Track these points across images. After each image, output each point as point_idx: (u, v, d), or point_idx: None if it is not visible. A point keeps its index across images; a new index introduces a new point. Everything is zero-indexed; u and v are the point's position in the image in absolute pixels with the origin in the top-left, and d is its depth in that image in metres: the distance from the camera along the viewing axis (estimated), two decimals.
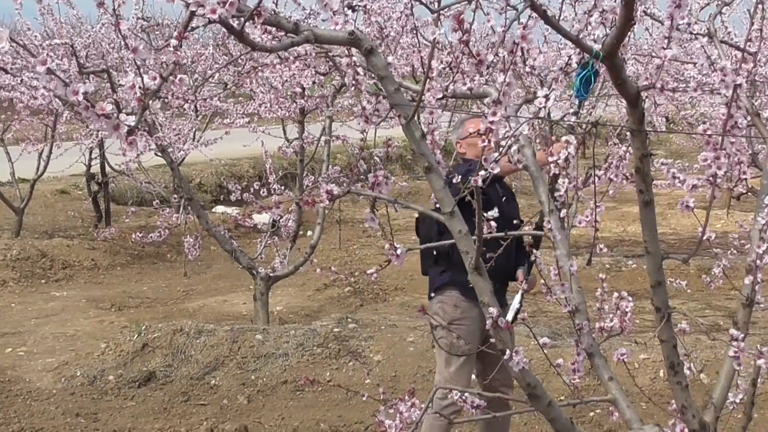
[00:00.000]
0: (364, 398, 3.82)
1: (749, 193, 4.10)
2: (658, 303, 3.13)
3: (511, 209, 5.23)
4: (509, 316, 4.66)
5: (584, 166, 13.63)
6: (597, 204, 3.05)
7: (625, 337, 4.00)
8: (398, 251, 2.88)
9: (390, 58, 2.78)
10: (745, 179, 2.87)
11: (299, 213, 9.27)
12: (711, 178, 2.57)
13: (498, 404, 5.03)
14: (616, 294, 3.43)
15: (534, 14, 2.35)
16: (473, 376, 5.53)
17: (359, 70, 2.72)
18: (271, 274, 8.95)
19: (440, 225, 5.20)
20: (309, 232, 10.88)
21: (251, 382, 7.48)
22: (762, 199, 3.15)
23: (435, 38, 2.68)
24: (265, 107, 8.77)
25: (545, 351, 3.41)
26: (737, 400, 3.47)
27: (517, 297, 4.76)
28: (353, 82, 2.71)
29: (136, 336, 8.12)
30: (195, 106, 9.87)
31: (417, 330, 8.21)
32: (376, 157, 10.25)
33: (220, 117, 11.41)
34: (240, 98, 11.16)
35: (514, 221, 5.17)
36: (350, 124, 9.98)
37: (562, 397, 6.48)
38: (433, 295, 5.47)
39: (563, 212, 3.29)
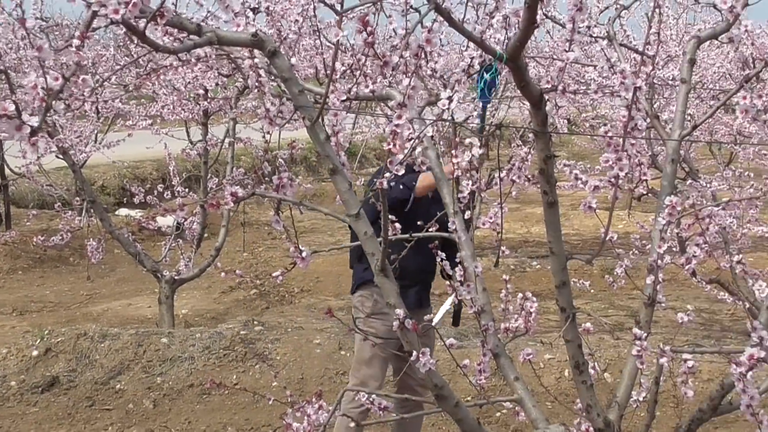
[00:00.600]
0: (270, 401, 3.78)
1: (650, 194, 4.16)
2: (563, 303, 3.16)
3: (436, 211, 5.27)
4: (436, 318, 4.65)
5: (488, 168, 13.78)
6: (501, 205, 3.07)
7: (530, 337, 4.05)
8: (303, 253, 2.86)
9: (293, 60, 2.77)
10: (646, 180, 2.91)
11: (204, 215, 9.17)
12: (612, 180, 2.60)
13: (412, 405, 5.06)
14: (520, 295, 3.45)
15: (438, 16, 2.35)
16: (388, 375, 5.58)
17: (262, 72, 2.69)
18: (176, 277, 8.85)
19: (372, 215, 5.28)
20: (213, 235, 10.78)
21: (157, 386, 7.38)
22: (662, 200, 3.20)
23: (338, 40, 2.66)
24: (168, 109, 8.66)
25: (452, 352, 3.42)
26: (641, 399, 3.53)
27: (449, 300, 4.78)
28: (256, 84, 2.68)
29: (38, 341, 7.94)
30: (96, 108, 9.69)
31: (324, 332, 8.20)
32: (280, 159, 10.14)
33: (122, 119, 11.23)
34: (142, 100, 11.01)
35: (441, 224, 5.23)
36: (254, 126, 9.92)
37: (468, 398, 6.53)
38: (355, 290, 5.47)
39: (467, 214, 3.31)
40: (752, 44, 3.62)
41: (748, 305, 6.98)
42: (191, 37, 2.47)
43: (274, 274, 3.17)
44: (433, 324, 4.38)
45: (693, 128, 3.70)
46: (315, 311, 10.32)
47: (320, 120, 2.72)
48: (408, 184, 4.89)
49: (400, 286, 4.39)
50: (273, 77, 3.00)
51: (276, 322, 9.10)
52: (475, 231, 3.35)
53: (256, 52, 2.68)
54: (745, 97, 2.93)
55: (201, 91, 8.22)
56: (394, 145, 2.43)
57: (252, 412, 6.99)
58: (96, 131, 12.65)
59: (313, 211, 3.09)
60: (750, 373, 2.53)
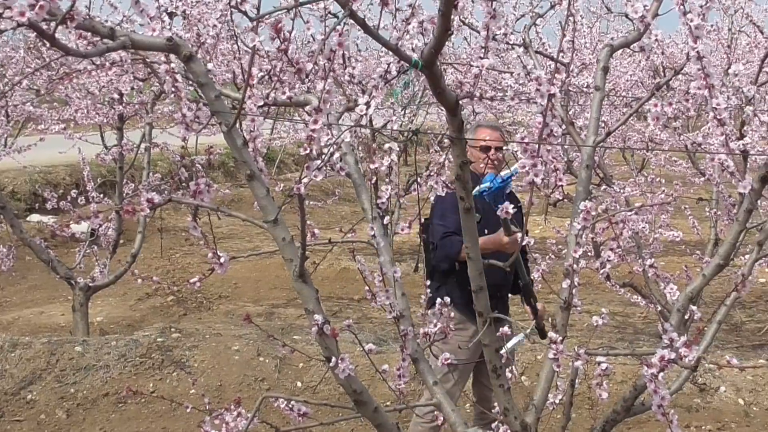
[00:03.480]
0: (188, 409, 3.75)
1: (565, 200, 4.23)
2: (480, 308, 3.18)
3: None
4: (509, 344, 4.48)
5: (406, 174, 13.75)
6: (419, 210, 3.09)
7: (448, 342, 4.07)
8: (222, 259, 2.84)
9: (210, 65, 2.75)
10: (561, 186, 2.94)
11: (119, 222, 9.05)
12: (528, 185, 2.63)
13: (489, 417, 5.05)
14: (439, 300, 3.47)
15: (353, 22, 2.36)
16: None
17: (178, 76, 2.67)
18: (90, 285, 8.71)
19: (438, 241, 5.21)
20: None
21: (70, 395, 7.25)
22: (577, 205, 3.25)
23: (254, 45, 2.65)
24: (82, 113, 8.52)
25: (371, 357, 3.43)
26: (557, 401, 3.58)
27: (516, 338, 4.60)
28: (173, 88, 2.66)
29: None
30: (6, 112, 9.49)
31: (242, 339, 8.14)
32: (197, 165, 10.12)
33: (33, 123, 11.01)
34: (55, 104, 10.81)
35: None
36: (171, 130, 9.82)
37: (388, 403, 6.54)
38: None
39: (386, 219, 3.32)
40: (662, 53, 3.70)
41: (660, 308, 7.12)
42: (104, 40, 2.44)
43: (191, 281, 3.15)
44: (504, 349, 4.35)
45: (607, 135, 3.76)
46: (233, 318, 10.26)
47: (237, 125, 2.71)
48: (450, 251, 5.02)
49: (470, 301, 4.44)
50: (189, 82, 2.98)
51: (194, 328, 9.01)
52: (393, 236, 3.35)
53: (173, 56, 2.65)
54: (656, 105, 2.99)
55: (116, 95, 8.11)
56: (311, 150, 2.43)
57: (169, 420, 6.92)
58: (5, 135, 12.40)
59: (230, 216, 3.07)
60: (661, 374, 2.58)
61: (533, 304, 5.13)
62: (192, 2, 5.31)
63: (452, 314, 5.03)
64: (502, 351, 4.32)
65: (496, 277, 4.14)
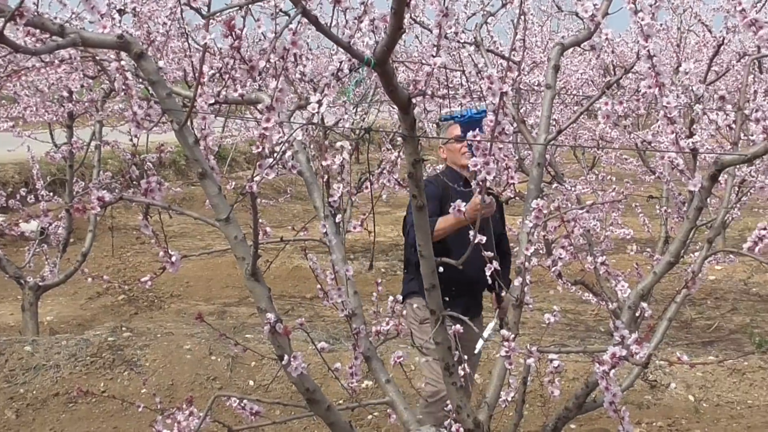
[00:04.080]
0: (140, 408, 3.72)
1: (517, 198, 4.24)
2: (433, 306, 3.19)
3: (490, 222, 5.16)
4: (485, 333, 4.49)
5: (358, 172, 13.80)
6: (372, 208, 3.09)
7: (401, 340, 4.07)
8: (173, 258, 2.83)
9: (161, 63, 2.73)
10: (513, 184, 2.96)
11: (70, 220, 8.95)
12: (481, 183, 2.64)
13: None
14: (391, 298, 3.48)
15: (305, 20, 2.35)
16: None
17: (129, 74, 2.65)
18: (40, 284, 8.61)
19: (411, 234, 5.15)
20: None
21: (20, 395, 7.17)
22: (529, 203, 3.26)
23: (206, 43, 2.64)
24: (31, 111, 8.40)
25: (323, 355, 3.42)
26: (509, 398, 3.59)
27: (490, 325, 4.60)
28: (123, 86, 2.64)
29: None
30: None
31: (194, 337, 8.09)
32: (148, 163, 10.04)
33: None
34: (3, 101, 10.68)
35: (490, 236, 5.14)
36: (121, 128, 9.73)
37: (340, 401, 6.53)
38: (404, 299, 5.31)
39: (338, 217, 3.31)
40: (613, 52, 3.73)
41: (611, 305, 7.17)
42: (54, 38, 2.41)
43: (142, 279, 3.13)
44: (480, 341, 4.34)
45: (558, 133, 3.79)
46: (185, 316, 10.19)
47: (189, 123, 2.69)
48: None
49: (447, 295, 4.37)
50: (140, 80, 2.96)
51: (145, 328, 8.94)
52: (346, 235, 3.35)
53: (123, 54, 2.63)
54: (606, 103, 3.01)
55: (65, 93, 8.02)
56: (263, 148, 2.42)
57: (120, 420, 6.86)
58: None
59: (182, 215, 3.05)
60: (613, 371, 2.60)
61: (498, 293, 5.07)
62: (141, 0, 5.27)
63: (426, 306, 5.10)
64: (479, 344, 4.34)
65: (471, 274, 4.04)
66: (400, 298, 3.48)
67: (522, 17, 4.65)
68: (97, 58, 3.91)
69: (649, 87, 2.87)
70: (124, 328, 8.58)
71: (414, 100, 2.70)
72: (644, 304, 3.43)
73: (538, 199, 3.13)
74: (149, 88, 2.68)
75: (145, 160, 9.13)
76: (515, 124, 3.97)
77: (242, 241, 2.88)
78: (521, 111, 4.81)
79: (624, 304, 3.51)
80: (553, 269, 3.23)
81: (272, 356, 3.04)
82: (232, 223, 2.85)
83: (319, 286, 3.27)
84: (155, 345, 7.88)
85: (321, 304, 3.16)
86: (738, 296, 11.45)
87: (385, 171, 3.18)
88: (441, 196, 4.81)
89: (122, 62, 2.65)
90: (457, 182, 4.88)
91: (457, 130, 5.13)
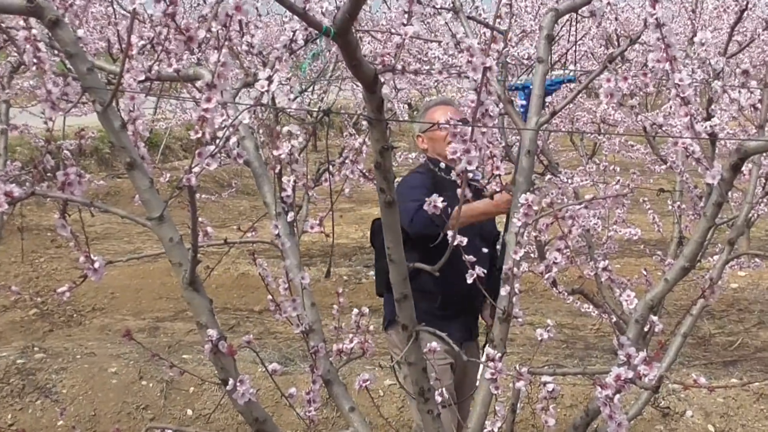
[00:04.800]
0: None
1: (504, 192, 4.26)
2: (405, 320, 3.20)
3: (486, 223, 5.19)
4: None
5: (316, 161, 13.81)
6: (332, 205, 3.09)
7: (367, 360, 4.08)
8: (96, 264, 2.82)
9: (80, 32, 2.72)
10: (499, 175, 2.97)
11: None
12: (461, 174, 2.64)
13: None
14: (356, 310, 3.48)
15: None
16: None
17: (41, 45, 2.64)
18: None
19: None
20: None
21: None
22: (517, 198, 3.28)
23: (134, 9, 2.63)
24: None
25: (275, 379, 3.42)
26: (495, 429, 3.60)
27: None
28: (34, 60, 2.63)
29: None
30: None
31: (121, 358, 8.08)
32: (66, 151, 9.99)
33: None
34: None
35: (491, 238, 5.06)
36: (33, 110, 9.68)
37: None
38: (387, 326, 5.22)
39: (292, 215, 3.32)
40: (616, 19, 3.75)
41: (614, 318, 7.21)
42: None
43: (59, 290, 3.12)
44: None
45: (552, 115, 3.80)
46: (110, 334, 10.15)
47: (114, 104, 2.69)
48: (434, 220, 4.65)
49: (443, 316, 4.28)
50: (55, 52, 2.95)
51: (62, 348, 8.90)
52: (301, 236, 3.35)
53: (33, 20, 2.62)
54: (608, 80, 3.03)
55: None
56: (204, 133, 2.42)
57: None
58: None
59: (106, 213, 3.05)
60: (617, 396, 2.61)
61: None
62: None
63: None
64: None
65: (464, 285, 3.89)
66: (366, 310, 3.48)
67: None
68: (3, 26, 3.89)
69: (659, 61, 2.88)
70: (36, 349, 8.54)
71: (382, 77, 2.70)
72: (654, 317, 3.45)
73: (529, 193, 3.14)
74: (66, 61, 2.67)
75: (62, 147, 9.09)
76: (501, 105, 3.98)
77: (178, 243, 2.87)
78: (509, 90, 4.82)
79: (630, 317, 3.53)
80: (546, 276, 3.25)
81: (214, 380, 3.05)
82: (167, 223, 2.84)
83: (269, 296, 3.27)
84: (74, 368, 7.85)
85: (272, 318, 3.15)
86: (765, 308, 11.52)
87: (347, 160, 3.18)
88: (432, 187, 4.74)
89: (33, 31, 2.64)
90: (445, 176, 4.77)
91: (438, 114, 5.10)
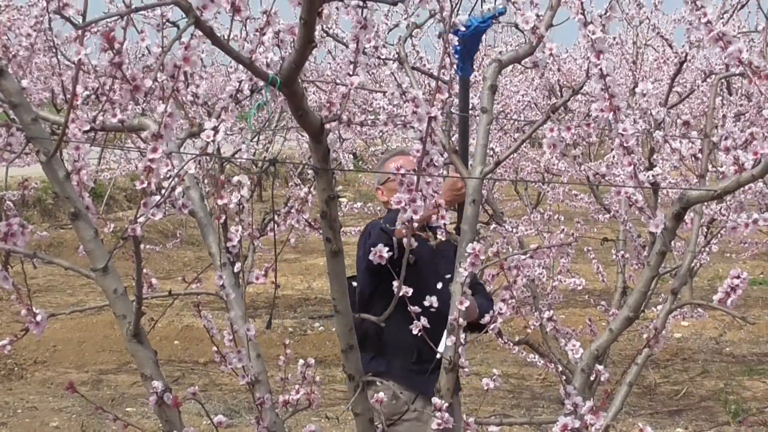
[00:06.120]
0: None
1: (449, 241, 4.27)
2: (351, 370, 3.19)
3: (446, 268, 4.91)
4: None
5: (261, 211, 13.78)
6: (276, 255, 3.08)
7: (314, 411, 4.06)
8: (38, 317, 2.79)
9: (24, 82, 2.71)
10: (445, 224, 2.98)
11: None
12: (406, 224, 2.65)
13: None
14: (301, 361, 3.47)
15: (198, 32, 2.35)
16: None
17: None
18: None
19: (362, 296, 4.86)
20: None
21: None
22: (463, 248, 3.28)
23: (79, 59, 2.63)
24: None
25: (221, 431, 3.40)
26: None
27: None
28: None
29: None
30: None
31: (63, 412, 7.99)
32: (8, 202, 9.91)
33: None
34: None
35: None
36: None
37: None
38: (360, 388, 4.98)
39: (237, 266, 3.30)
40: (558, 70, 3.78)
41: (560, 368, 7.24)
42: None
43: (0, 344, 3.08)
44: None
45: (496, 165, 3.82)
46: (52, 387, 10.03)
47: (59, 154, 2.68)
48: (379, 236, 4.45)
49: (420, 371, 4.18)
50: None
51: (2, 402, 8.80)
52: (246, 286, 3.33)
53: None
54: (552, 129, 3.05)
55: None
56: (149, 183, 2.41)
57: None
58: None
59: (49, 264, 3.02)
60: None
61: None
62: (0, 7, 5.22)
63: (400, 393, 4.88)
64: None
65: (441, 336, 3.73)
66: (312, 361, 3.46)
67: (452, 29, 4.70)
68: None
69: (602, 110, 2.91)
70: None
71: (327, 126, 2.71)
72: (600, 367, 3.46)
73: (474, 242, 3.15)
74: (10, 111, 2.66)
75: (4, 198, 9.02)
76: (446, 155, 4.00)
77: (123, 295, 2.85)
78: (453, 139, 4.84)
79: (576, 366, 3.54)
80: (492, 326, 3.25)
81: None
82: (111, 274, 2.82)
83: (214, 348, 3.25)
84: (14, 423, 7.75)
85: (217, 369, 3.13)
86: (709, 357, 11.61)
87: (293, 210, 3.18)
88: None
89: None
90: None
91: (398, 163, 5.03)
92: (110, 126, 3.15)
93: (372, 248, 2.93)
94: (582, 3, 2.87)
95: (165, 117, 2.37)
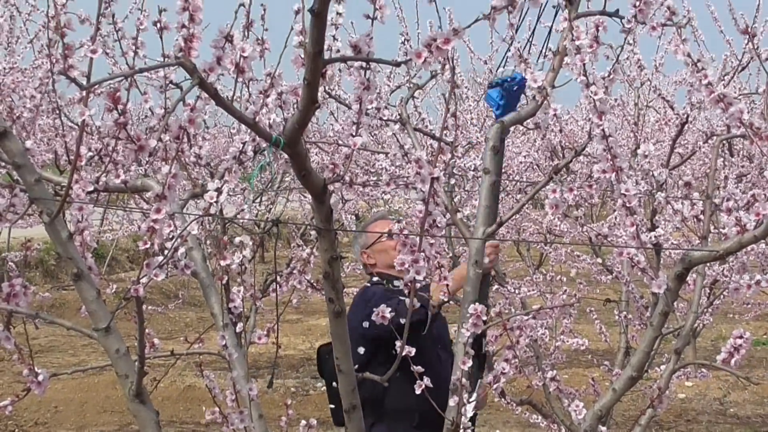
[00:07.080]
0: None
1: (451, 302, 4.27)
2: (354, 431, 3.17)
3: (439, 330, 4.94)
4: None
5: (263, 272, 13.73)
6: (278, 317, 3.08)
7: None
8: (40, 377, 2.79)
9: (28, 143, 2.72)
10: (447, 285, 2.98)
11: None
12: (409, 284, 2.65)
13: None
14: (303, 422, 3.45)
15: (203, 93, 2.36)
16: None
17: None
18: None
19: (361, 357, 4.61)
20: None
21: None
22: (465, 309, 3.28)
23: (83, 120, 2.64)
24: None
25: None
26: None
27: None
28: None
29: None
30: None
31: None
32: (10, 263, 9.92)
33: None
34: None
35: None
36: None
37: None
38: None
39: (239, 326, 3.30)
40: (561, 131, 3.78)
41: (564, 429, 7.19)
42: None
43: (1, 404, 3.07)
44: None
45: (498, 225, 3.82)
46: None
47: (62, 215, 2.68)
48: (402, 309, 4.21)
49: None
50: (2, 163, 2.95)
51: None
52: (249, 347, 3.32)
53: None
54: (554, 191, 3.06)
55: None
56: (152, 244, 2.41)
57: None
58: None
59: (52, 324, 3.02)
60: None
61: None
62: (4, 69, 5.25)
63: None
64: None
65: (444, 398, 3.49)
66: (314, 422, 3.44)
67: (454, 90, 4.72)
68: None
69: (604, 171, 2.92)
70: None
71: (330, 187, 2.71)
72: (603, 428, 3.44)
73: (477, 303, 3.14)
74: (13, 173, 2.67)
75: (7, 259, 9.03)
76: (448, 216, 4.00)
77: (125, 355, 2.85)
78: (455, 200, 4.86)
79: (579, 427, 3.52)
80: (495, 386, 3.24)
81: None
82: (113, 334, 2.82)
83: (217, 408, 3.23)
84: None
85: (219, 430, 3.11)
86: (713, 418, 11.55)
87: (295, 271, 3.18)
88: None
89: None
90: (398, 295, 4.37)
91: (380, 228, 4.93)
92: (113, 187, 3.16)
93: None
94: (584, 64, 2.89)
95: (169, 178, 2.37)
